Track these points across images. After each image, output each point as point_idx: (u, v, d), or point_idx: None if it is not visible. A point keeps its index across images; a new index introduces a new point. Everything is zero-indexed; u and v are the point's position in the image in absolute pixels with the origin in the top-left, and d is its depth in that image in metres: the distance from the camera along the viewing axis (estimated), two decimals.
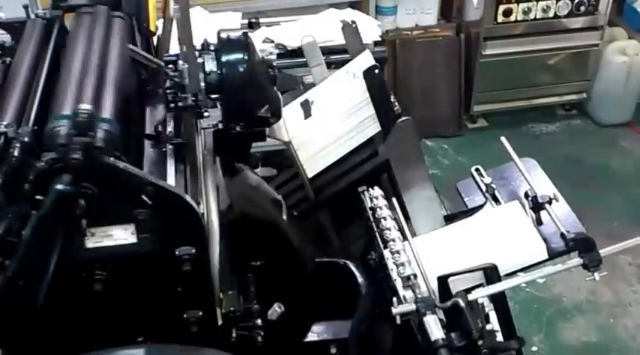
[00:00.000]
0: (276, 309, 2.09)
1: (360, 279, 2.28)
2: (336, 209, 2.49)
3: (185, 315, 1.89)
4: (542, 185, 2.10)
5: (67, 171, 1.57)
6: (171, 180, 1.87)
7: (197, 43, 1.96)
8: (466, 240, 2.00)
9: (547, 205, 1.95)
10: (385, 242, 1.96)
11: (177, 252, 1.79)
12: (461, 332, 1.70)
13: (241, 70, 1.92)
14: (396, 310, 1.77)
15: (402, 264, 1.87)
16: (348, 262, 2.35)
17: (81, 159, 1.55)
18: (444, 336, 1.67)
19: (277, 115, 2.02)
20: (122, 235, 1.77)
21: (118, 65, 1.90)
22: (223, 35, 1.97)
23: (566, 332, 4.07)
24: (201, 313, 1.89)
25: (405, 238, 1.95)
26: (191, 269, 1.79)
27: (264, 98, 1.98)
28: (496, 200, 2.17)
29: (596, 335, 4.06)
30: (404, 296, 1.83)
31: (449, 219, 2.24)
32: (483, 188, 2.21)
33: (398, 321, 1.78)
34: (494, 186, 2.20)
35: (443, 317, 1.77)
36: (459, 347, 1.69)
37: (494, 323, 1.88)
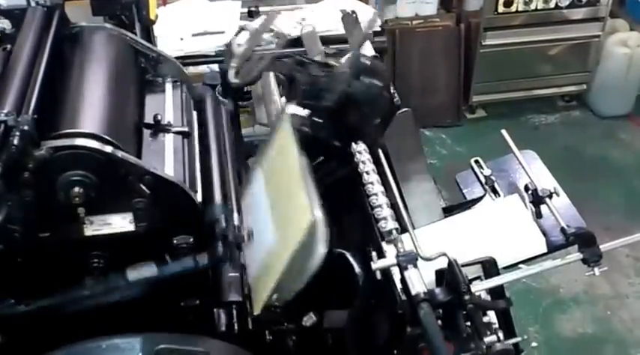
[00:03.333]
0: (312, 317, 2.07)
1: (356, 269, 2.28)
2: (333, 199, 2.49)
3: (182, 304, 1.89)
4: (543, 178, 2.10)
5: None
6: (169, 169, 1.87)
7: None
8: (465, 233, 2.00)
9: (547, 199, 1.95)
10: (368, 196, 1.91)
11: (174, 241, 1.79)
12: (446, 287, 1.64)
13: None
14: (375, 265, 1.72)
15: (384, 219, 1.80)
16: (344, 252, 2.35)
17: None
18: (425, 290, 1.60)
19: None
20: (120, 223, 1.77)
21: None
22: (362, 59, 1.99)
23: (563, 324, 4.09)
24: (198, 301, 1.89)
25: (405, 230, 1.94)
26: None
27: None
28: (495, 192, 2.16)
29: (593, 327, 4.07)
30: (386, 251, 1.78)
31: (448, 210, 2.24)
32: (483, 180, 2.20)
33: (378, 276, 1.74)
34: (493, 178, 2.20)
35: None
36: (443, 303, 1.62)
37: (491, 316, 1.87)
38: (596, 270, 1.78)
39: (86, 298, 1.80)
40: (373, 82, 1.93)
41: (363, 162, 1.99)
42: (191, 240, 1.80)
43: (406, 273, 1.67)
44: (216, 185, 1.97)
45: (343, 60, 1.99)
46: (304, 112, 1.96)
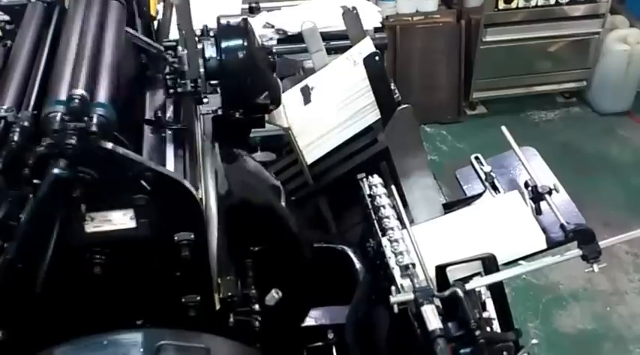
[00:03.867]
0: (274, 295, 2.09)
1: (357, 265, 2.29)
2: (334, 195, 2.50)
3: (183, 300, 1.89)
4: (543, 175, 2.09)
5: (62, 156, 1.56)
6: (170, 165, 1.86)
7: (197, 28, 1.96)
8: (465, 229, 2.00)
9: (547, 196, 1.95)
10: (384, 230, 1.96)
11: (175, 237, 1.79)
12: (458, 322, 1.70)
13: (241, 56, 1.91)
14: (394, 299, 1.77)
15: (401, 253, 1.86)
16: (345, 248, 2.36)
17: (76, 144, 1.55)
18: (441, 326, 1.66)
19: (277, 102, 2.02)
20: (121, 220, 1.77)
21: (114, 49, 1.89)
22: (223, 21, 1.96)
23: (562, 320, 4.10)
24: (199, 298, 1.90)
25: (403, 226, 1.95)
26: (189, 254, 1.80)
27: (263, 85, 1.97)
28: (495, 189, 2.16)
29: (592, 323, 4.08)
30: (401, 285, 1.82)
31: (448, 207, 2.24)
32: (483, 176, 2.20)
33: (395, 310, 1.78)
34: (493, 174, 2.19)
35: (439, 304, 1.77)
36: (456, 337, 1.69)
37: (490, 311, 1.88)
38: (596, 267, 1.78)
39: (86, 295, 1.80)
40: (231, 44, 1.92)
41: (379, 196, 2.03)
42: (192, 236, 1.80)
43: (422, 308, 1.72)
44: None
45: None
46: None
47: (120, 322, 1.79)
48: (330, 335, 2.28)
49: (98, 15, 1.99)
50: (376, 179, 2.09)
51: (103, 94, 1.70)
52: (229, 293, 1.96)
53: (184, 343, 1.70)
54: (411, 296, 1.75)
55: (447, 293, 1.73)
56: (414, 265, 1.83)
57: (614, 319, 4.11)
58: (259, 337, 2.04)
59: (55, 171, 1.56)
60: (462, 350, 1.69)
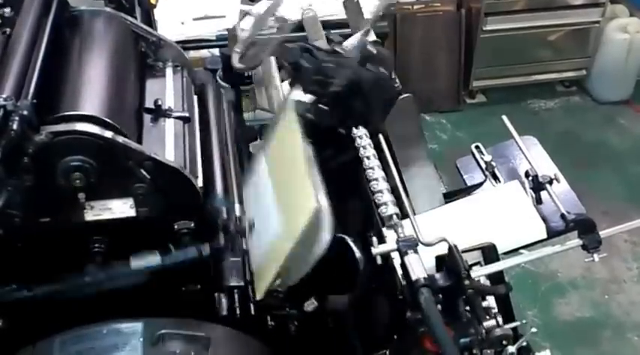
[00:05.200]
0: (313, 302, 2.07)
1: (357, 254, 2.29)
2: (334, 183, 2.49)
3: (183, 289, 1.90)
4: (543, 164, 2.09)
5: None
6: (169, 154, 1.86)
7: None
8: (465, 219, 2.00)
9: (547, 185, 1.95)
10: (369, 181, 1.91)
11: (175, 226, 1.79)
12: (446, 273, 1.64)
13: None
14: (376, 250, 1.72)
15: (385, 204, 1.80)
16: (345, 237, 2.35)
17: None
18: (425, 275, 1.60)
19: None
20: (121, 209, 1.77)
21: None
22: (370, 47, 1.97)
23: (561, 308, 4.11)
24: (199, 286, 1.90)
25: (405, 216, 1.94)
26: (189, 243, 1.80)
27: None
28: (496, 178, 2.16)
29: (590, 311, 4.09)
30: (386, 237, 1.78)
31: (448, 196, 2.24)
32: (483, 166, 2.20)
33: (378, 261, 1.74)
34: (494, 164, 2.19)
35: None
36: (443, 288, 1.62)
37: (490, 301, 1.88)
38: (596, 256, 1.79)
39: (87, 285, 1.80)
40: (379, 70, 1.92)
41: (364, 148, 1.99)
42: (192, 225, 1.80)
43: (406, 258, 1.67)
44: (217, 172, 1.97)
45: (347, 45, 1.98)
46: (309, 98, 1.95)
47: (120, 311, 1.79)
48: (330, 324, 2.29)
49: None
50: (361, 130, 2.05)
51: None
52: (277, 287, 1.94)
53: (184, 332, 1.70)
54: (393, 245, 1.70)
55: (434, 241, 1.67)
56: (398, 215, 1.78)
57: (612, 307, 4.12)
58: (258, 326, 2.05)
59: None
60: (462, 340, 1.68)
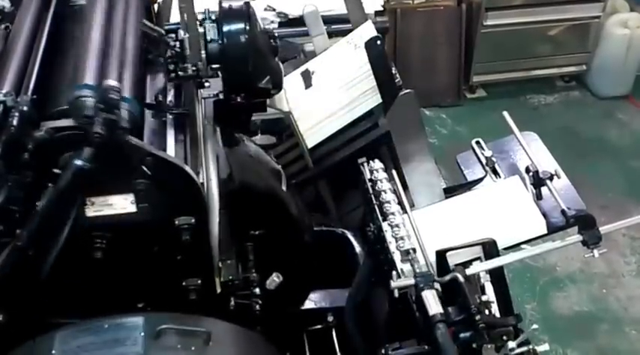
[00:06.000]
0: (275, 279, 2.10)
1: (357, 249, 2.30)
2: (335, 179, 2.50)
3: (184, 283, 1.90)
4: (544, 160, 2.09)
5: (88, 144, 1.57)
6: (171, 150, 1.86)
7: (198, 11, 1.94)
8: (465, 214, 2.00)
9: (548, 181, 1.95)
10: (384, 215, 1.96)
11: (176, 222, 1.79)
12: (458, 307, 1.70)
13: (242, 40, 1.90)
14: (395, 284, 1.77)
15: (402, 238, 1.85)
16: (346, 231, 2.36)
17: (104, 135, 1.56)
18: (442, 311, 1.67)
19: (278, 86, 2.01)
20: (122, 204, 1.77)
21: (136, 43, 1.89)
22: (224, 4, 1.95)
23: (559, 302, 4.12)
24: (200, 281, 1.90)
25: (404, 211, 1.95)
26: (190, 238, 1.80)
27: (265, 69, 1.96)
28: (496, 173, 2.16)
29: (589, 305, 4.11)
30: (402, 270, 1.83)
31: (448, 191, 2.24)
32: (483, 161, 2.19)
33: (396, 295, 1.79)
34: (494, 159, 2.19)
35: (439, 288, 1.77)
36: (457, 321, 1.69)
37: (489, 295, 1.88)
38: (596, 252, 1.79)
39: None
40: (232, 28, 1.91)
41: (380, 181, 2.02)
42: (192, 220, 1.80)
43: (423, 293, 1.71)
44: None
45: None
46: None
47: (121, 306, 1.80)
48: (330, 318, 2.30)
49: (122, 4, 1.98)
50: (377, 164, 2.09)
51: (128, 88, 1.70)
52: (230, 277, 1.96)
53: (185, 327, 1.71)
54: (411, 281, 1.75)
55: (447, 278, 1.73)
56: (414, 250, 1.83)
57: (610, 301, 4.13)
58: (259, 320, 2.06)
59: (78, 162, 1.56)
60: (461, 335, 1.69)
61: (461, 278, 1.70)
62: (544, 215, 1.95)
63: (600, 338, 3.92)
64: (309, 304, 2.32)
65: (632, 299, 4.14)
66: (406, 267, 1.82)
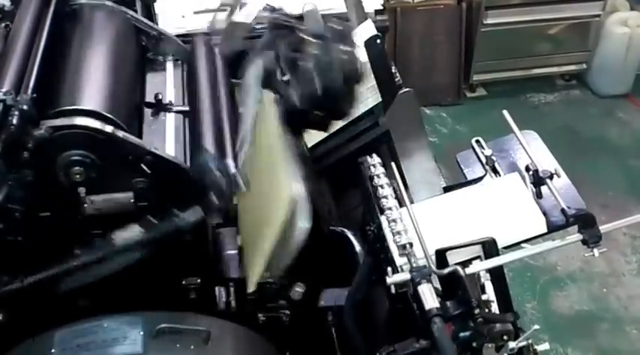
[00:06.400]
0: (297, 290, 2.07)
1: (357, 247, 2.29)
2: (334, 178, 2.49)
3: (184, 282, 1.90)
4: (544, 159, 2.08)
5: None
6: (170, 148, 1.86)
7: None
8: (465, 212, 1.99)
9: (548, 180, 1.94)
10: (382, 210, 1.94)
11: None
12: (457, 301, 1.67)
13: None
14: (390, 280, 1.75)
15: (399, 233, 1.83)
16: (345, 230, 2.35)
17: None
18: (438, 305, 1.64)
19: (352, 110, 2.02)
20: (121, 203, 1.77)
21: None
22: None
23: (559, 301, 4.12)
24: (199, 280, 1.90)
25: (402, 205, 1.94)
26: (190, 237, 1.80)
27: (354, 95, 1.96)
28: (496, 172, 2.15)
29: (589, 304, 4.11)
30: (400, 266, 1.81)
31: (448, 190, 2.24)
32: (483, 160, 2.19)
33: (393, 291, 1.77)
34: (494, 158, 2.18)
35: (439, 286, 1.76)
36: (454, 316, 1.66)
37: (489, 294, 1.88)
38: (596, 251, 1.78)
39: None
40: (344, 48, 1.90)
41: (378, 176, 2.01)
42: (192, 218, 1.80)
43: (419, 288, 1.70)
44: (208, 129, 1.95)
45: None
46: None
47: (120, 304, 1.80)
48: (330, 317, 2.29)
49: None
50: (375, 159, 2.07)
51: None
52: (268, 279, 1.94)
53: (184, 326, 1.71)
54: (407, 276, 1.72)
55: (445, 271, 1.71)
56: (411, 244, 1.80)
57: (610, 300, 4.13)
58: (288, 331, 2.05)
59: None
60: (461, 334, 1.69)
61: (461, 272, 1.68)
62: (544, 214, 1.94)
63: (600, 337, 3.93)
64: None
65: (632, 298, 4.14)
66: (403, 262, 1.80)
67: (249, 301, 1.91)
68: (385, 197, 1.96)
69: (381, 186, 1.99)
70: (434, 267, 1.75)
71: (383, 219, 1.91)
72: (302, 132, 2.15)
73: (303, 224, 1.71)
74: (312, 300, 2.22)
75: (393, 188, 2.00)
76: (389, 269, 1.80)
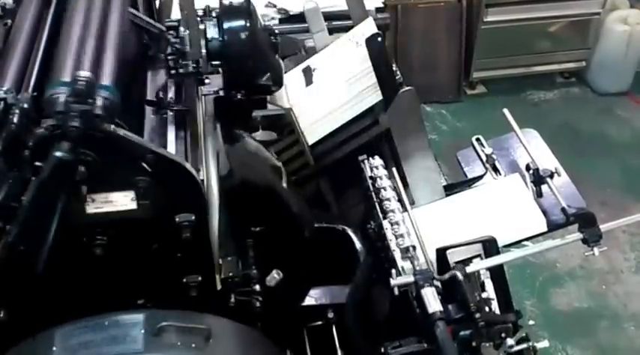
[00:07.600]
0: (275, 276, 2.09)
1: (358, 245, 2.30)
2: (335, 176, 2.50)
3: (185, 280, 1.90)
4: (544, 158, 2.09)
5: (65, 138, 1.56)
6: (171, 147, 1.86)
7: (199, 8, 1.94)
8: (466, 212, 2.00)
9: (548, 179, 1.95)
10: (385, 212, 1.96)
11: (176, 219, 1.79)
12: (458, 304, 1.71)
13: (243, 37, 1.90)
14: (394, 281, 1.78)
15: (402, 236, 1.86)
16: (346, 228, 2.36)
17: (79, 127, 1.55)
18: (441, 309, 1.68)
19: (279, 83, 2.01)
20: (122, 201, 1.77)
21: (119, 30, 1.87)
22: (225, 1, 1.95)
23: (559, 298, 4.13)
24: (200, 278, 1.90)
25: (404, 209, 1.95)
26: (191, 235, 1.80)
27: (265, 66, 1.96)
28: (496, 171, 2.16)
29: (588, 301, 4.12)
30: (402, 268, 1.83)
31: (449, 188, 2.24)
32: (484, 158, 2.20)
33: (396, 292, 1.79)
34: (494, 156, 2.19)
35: (439, 284, 1.77)
36: (456, 319, 1.70)
37: (489, 291, 1.89)
38: (596, 250, 1.79)
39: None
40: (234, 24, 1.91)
41: (380, 178, 2.02)
42: (193, 217, 1.80)
43: (423, 291, 1.73)
44: None
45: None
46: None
47: (121, 303, 1.80)
48: (330, 315, 2.30)
49: None
50: (377, 160, 2.08)
51: (107, 76, 1.69)
52: (230, 274, 1.96)
53: (186, 324, 1.71)
54: (411, 278, 1.76)
55: (446, 276, 1.74)
56: (414, 248, 1.83)
57: (609, 297, 4.14)
58: (260, 317, 2.06)
59: (58, 154, 1.55)
60: (461, 333, 1.70)
61: (460, 277, 1.71)
62: (544, 212, 1.95)
63: (599, 334, 3.94)
64: (309, 300, 2.32)
65: (631, 295, 4.15)
66: (406, 265, 1.82)
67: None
68: (388, 199, 1.97)
69: (384, 189, 2.00)
70: (435, 273, 1.79)
71: (385, 222, 1.93)
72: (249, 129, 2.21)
73: None
74: (295, 293, 2.24)
75: (394, 188, 2.01)
76: (393, 271, 1.82)
